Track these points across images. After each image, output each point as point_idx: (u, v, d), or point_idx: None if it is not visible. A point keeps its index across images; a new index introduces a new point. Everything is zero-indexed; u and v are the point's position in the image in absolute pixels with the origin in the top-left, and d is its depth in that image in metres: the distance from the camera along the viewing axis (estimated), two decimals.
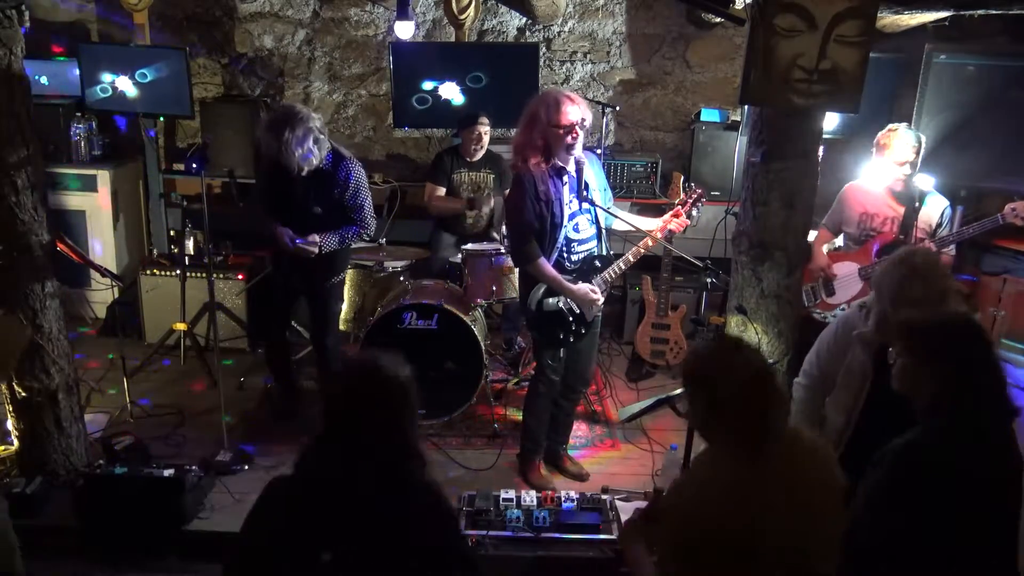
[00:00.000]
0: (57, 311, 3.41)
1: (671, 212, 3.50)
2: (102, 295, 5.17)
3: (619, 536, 2.20)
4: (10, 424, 3.50)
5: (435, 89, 5.23)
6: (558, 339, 3.50)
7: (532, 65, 5.29)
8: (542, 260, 3.36)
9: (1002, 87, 4.14)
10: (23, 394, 3.39)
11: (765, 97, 3.00)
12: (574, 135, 3.26)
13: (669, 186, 4.38)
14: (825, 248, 3.97)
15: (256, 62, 5.78)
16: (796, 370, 3.21)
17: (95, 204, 5.29)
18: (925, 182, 3.79)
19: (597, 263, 3.48)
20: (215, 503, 3.53)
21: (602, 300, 3.49)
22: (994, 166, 4.20)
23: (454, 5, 5.19)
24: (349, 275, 4.71)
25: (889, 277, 2.53)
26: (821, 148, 3.30)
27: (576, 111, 3.25)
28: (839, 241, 4.02)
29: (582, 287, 3.41)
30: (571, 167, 3.39)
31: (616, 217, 3.55)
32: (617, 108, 5.33)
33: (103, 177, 5.27)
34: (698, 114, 5.38)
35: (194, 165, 3.45)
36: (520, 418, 3.89)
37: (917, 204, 3.68)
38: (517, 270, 3.81)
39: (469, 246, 4.40)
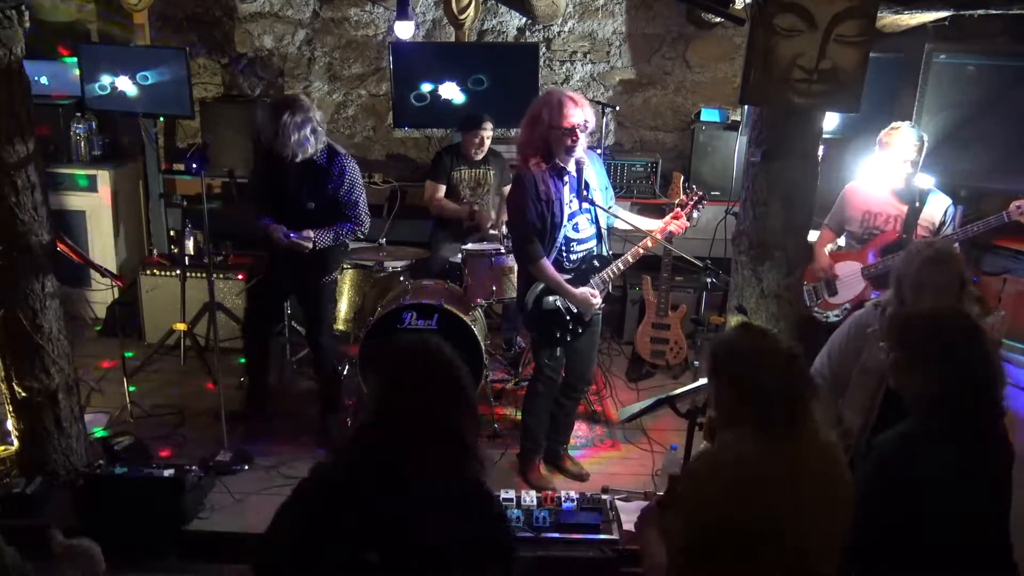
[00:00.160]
0: (57, 311, 3.41)
1: (671, 214, 3.50)
2: (102, 295, 5.17)
3: (635, 522, 2.20)
4: (10, 424, 3.50)
5: (435, 89, 5.23)
6: (555, 338, 3.50)
7: (532, 65, 5.29)
8: (544, 261, 3.36)
9: (1002, 87, 4.15)
10: (23, 394, 3.39)
11: (765, 97, 3.00)
12: (575, 138, 3.26)
13: (669, 186, 4.39)
14: (827, 248, 3.96)
15: (256, 62, 5.78)
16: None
17: (95, 204, 5.29)
18: (925, 182, 3.79)
19: (596, 263, 3.48)
20: (215, 503, 3.53)
21: (600, 301, 3.49)
22: (994, 166, 4.21)
23: (454, 5, 5.19)
24: (349, 275, 4.71)
25: (909, 266, 2.58)
26: (821, 148, 3.29)
27: (579, 113, 3.25)
28: (841, 241, 4.01)
29: (582, 291, 3.41)
30: (571, 167, 3.39)
31: (617, 217, 3.56)
32: (617, 108, 5.34)
33: (103, 177, 5.27)
34: (698, 114, 5.38)
35: (194, 165, 3.45)
36: (520, 418, 3.89)
37: (918, 203, 3.68)
38: (516, 269, 3.81)
39: (469, 246, 4.40)
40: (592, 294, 3.43)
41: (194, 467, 3.48)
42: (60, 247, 3.39)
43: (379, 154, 5.97)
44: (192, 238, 4.98)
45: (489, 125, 4.65)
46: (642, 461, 4.00)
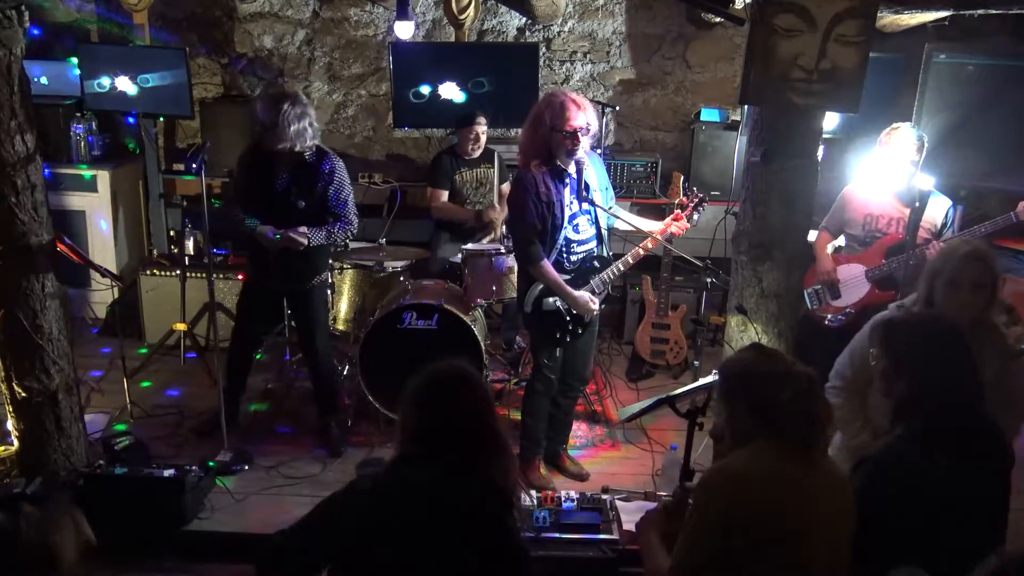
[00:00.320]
0: (57, 311, 3.40)
1: (672, 216, 3.50)
2: (102, 295, 5.17)
3: (637, 524, 2.20)
4: (10, 424, 3.49)
5: (435, 89, 5.23)
6: (555, 338, 3.51)
7: (532, 65, 5.29)
8: (545, 262, 3.36)
9: (1002, 87, 4.15)
10: (23, 394, 3.39)
11: (765, 97, 3.01)
12: (577, 140, 3.25)
13: (669, 186, 4.38)
14: (829, 248, 3.94)
15: (256, 62, 5.78)
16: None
17: (95, 204, 5.29)
18: (925, 182, 3.78)
19: (596, 264, 3.49)
20: (215, 503, 3.52)
21: (598, 305, 3.50)
22: (994, 166, 4.21)
23: (454, 5, 5.19)
24: (349, 275, 4.70)
25: (946, 263, 2.60)
26: (821, 148, 3.30)
27: (582, 116, 3.24)
28: (839, 241, 3.99)
29: (582, 294, 3.41)
30: (571, 168, 3.39)
31: (617, 217, 3.56)
32: (617, 108, 5.34)
33: (103, 177, 5.27)
34: (698, 114, 5.39)
35: (194, 165, 3.44)
36: (519, 418, 3.89)
37: (918, 203, 3.66)
38: (516, 270, 3.81)
39: (469, 246, 4.40)
40: (591, 300, 3.44)
41: (194, 467, 3.48)
42: (60, 247, 3.38)
43: (379, 154, 5.97)
44: (192, 238, 4.98)
45: (483, 120, 4.66)
46: (642, 461, 4.00)
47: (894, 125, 3.67)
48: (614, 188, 3.79)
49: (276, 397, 4.54)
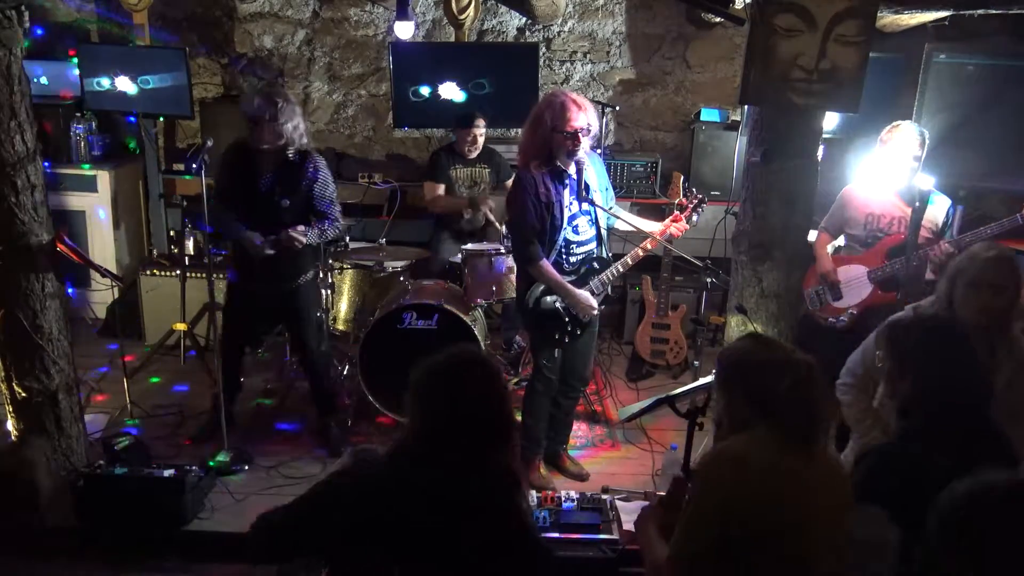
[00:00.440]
0: (57, 311, 3.41)
1: (671, 217, 3.49)
2: (102, 295, 5.18)
3: (635, 520, 2.20)
4: (10, 424, 3.49)
5: (435, 89, 5.23)
6: (554, 339, 3.51)
7: (532, 65, 5.29)
8: (544, 262, 3.36)
9: (1002, 87, 4.15)
10: (23, 394, 3.39)
11: (765, 97, 3.00)
12: (577, 141, 3.25)
13: (669, 186, 4.38)
14: (828, 249, 3.91)
15: (256, 62, 5.78)
16: None
17: (95, 204, 5.29)
18: (925, 182, 3.77)
19: (596, 264, 3.48)
20: (215, 503, 3.52)
21: (599, 303, 3.49)
22: (994, 166, 4.21)
23: (454, 5, 5.20)
24: (349, 275, 4.71)
25: (971, 264, 2.60)
26: (821, 148, 3.29)
27: (582, 117, 3.24)
28: (839, 241, 3.97)
29: (583, 293, 3.41)
30: (571, 169, 3.39)
31: (617, 217, 3.56)
32: (617, 108, 5.34)
33: (103, 177, 5.28)
34: (698, 114, 5.38)
35: (194, 165, 3.44)
36: (519, 418, 3.89)
37: (918, 203, 3.64)
38: (516, 270, 3.80)
39: (469, 246, 4.40)
40: (591, 300, 3.43)
41: (194, 467, 3.48)
42: (60, 247, 3.38)
43: (379, 154, 5.97)
44: (192, 238, 4.98)
45: (481, 123, 4.66)
46: (642, 461, 4.00)
47: (895, 123, 3.65)
48: (614, 188, 3.79)
49: (276, 397, 4.54)
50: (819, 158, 3.24)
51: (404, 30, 4.85)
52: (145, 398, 4.39)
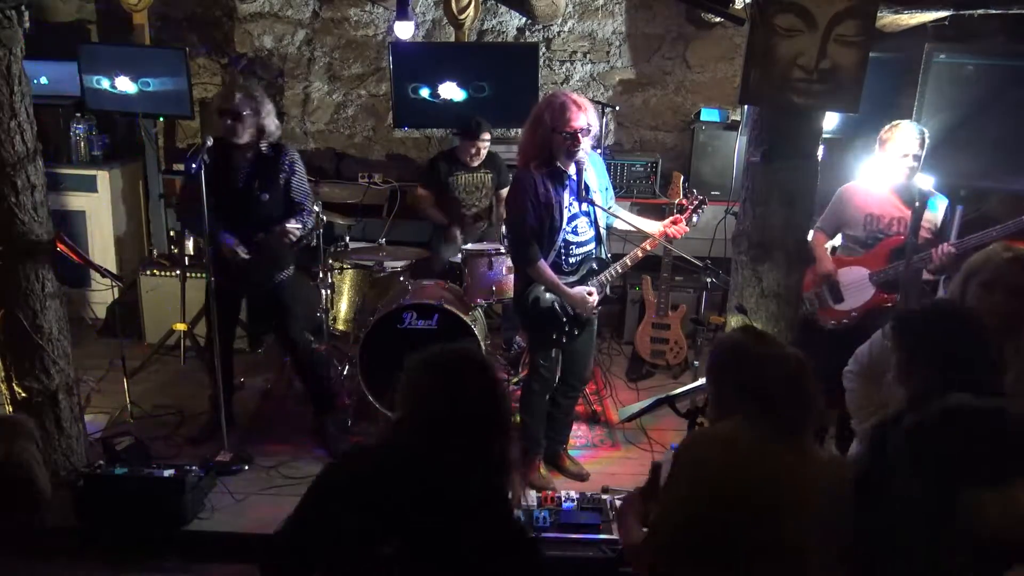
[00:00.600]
0: (57, 311, 3.41)
1: (671, 218, 3.49)
2: (102, 295, 5.18)
3: (618, 508, 2.21)
4: None
5: (435, 89, 5.23)
6: (551, 339, 3.51)
7: (532, 65, 5.29)
8: (542, 263, 3.36)
9: (1002, 86, 4.14)
10: (23, 394, 3.40)
11: (765, 97, 3.00)
12: (576, 142, 3.24)
13: (669, 186, 4.38)
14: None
15: (256, 62, 5.79)
16: None
17: (95, 204, 5.29)
18: (925, 182, 3.76)
19: (595, 265, 3.48)
20: (215, 503, 3.53)
21: (597, 301, 3.49)
22: (993, 166, 4.20)
23: (454, 5, 5.20)
24: (349, 275, 4.71)
25: (987, 264, 2.59)
26: (821, 148, 3.29)
27: (582, 118, 3.23)
28: (835, 241, 3.94)
29: (578, 290, 3.41)
30: (571, 169, 3.39)
31: (617, 217, 3.56)
32: (617, 108, 5.34)
33: (103, 177, 5.28)
34: (698, 114, 5.38)
35: (193, 165, 3.44)
36: (518, 418, 3.89)
37: (918, 203, 3.62)
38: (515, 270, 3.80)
39: (469, 246, 4.40)
40: (588, 292, 3.43)
41: (194, 467, 3.48)
42: (60, 247, 3.38)
43: (379, 154, 5.97)
44: (192, 238, 4.98)
45: (487, 135, 4.61)
46: (642, 461, 4.00)
47: (894, 122, 3.63)
48: (614, 188, 3.79)
49: (276, 397, 4.55)
50: (819, 158, 3.24)
51: (404, 30, 4.85)
52: (145, 398, 4.39)
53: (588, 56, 5.77)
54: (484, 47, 5.63)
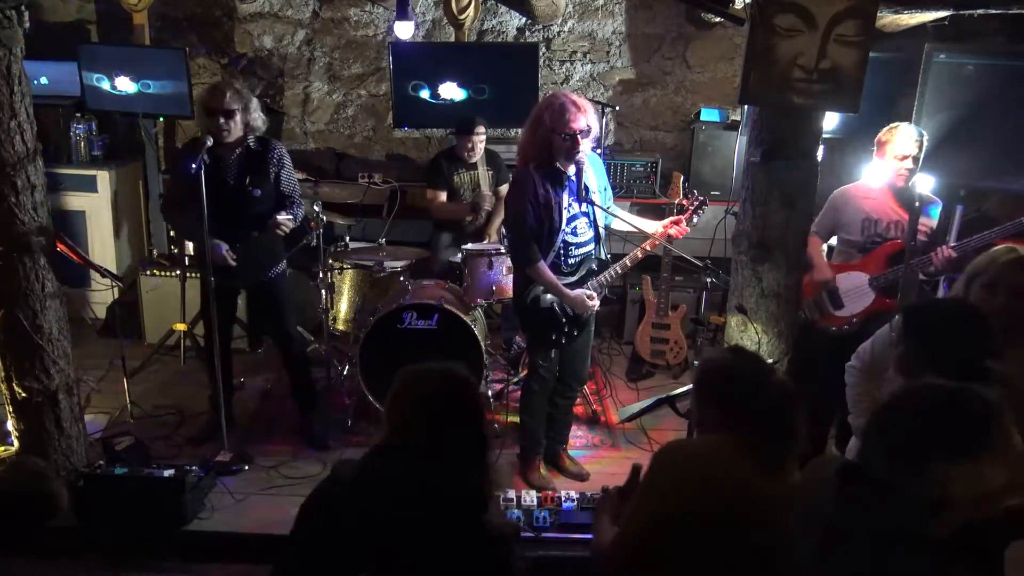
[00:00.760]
0: (57, 311, 3.41)
1: (671, 219, 3.49)
2: (102, 295, 5.18)
3: (595, 507, 2.21)
4: (10, 424, 3.50)
5: (435, 89, 5.24)
6: (550, 340, 3.51)
7: (532, 65, 5.29)
8: (542, 263, 3.36)
9: (1001, 87, 4.14)
10: (23, 394, 3.39)
11: (765, 97, 3.00)
12: (576, 143, 3.24)
13: (669, 186, 4.38)
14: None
15: (256, 62, 5.79)
16: (795, 371, 3.21)
17: (95, 204, 5.29)
18: (925, 182, 3.75)
19: (594, 266, 3.48)
20: (215, 503, 3.53)
21: (597, 304, 3.49)
22: (994, 166, 4.20)
23: (454, 5, 5.20)
24: (349, 275, 4.71)
25: (990, 265, 2.60)
26: (821, 148, 3.28)
27: (582, 120, 3.23)
28: (831, 242, 3.92)
29: (578, 292, 3.41)
30: (570, 170, 3.38)
31: (616, 216, 3.55)
32: (617, 108, 5.34)
33: (103, 177, 5.28)
34: (698, 114, 5.38)
35: (193, 165, 3.44)
36: (518, 419, 3.89)
37: (918, 204, 3.62)
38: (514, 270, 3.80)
39: (469, 246, 4.40)
40: (588, 295, 3.43)
41: (194, 467, 3.49)
42: (60, 247, 3.38)
43: (379, 154, 5.97)
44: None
45: (481, 129, 4.63)
46: (642, 461, 3.98)
47: (893, 124, 3.62)
48: (614, 188, 3.79)
49: (276, 397, 4.54)
50: (819, 158, 3.24)
51: (404, 30, 4.85)
52: (145, 398, 4.39)
53: (588, 56, 5.77)
54: (484, 47, 5.63)
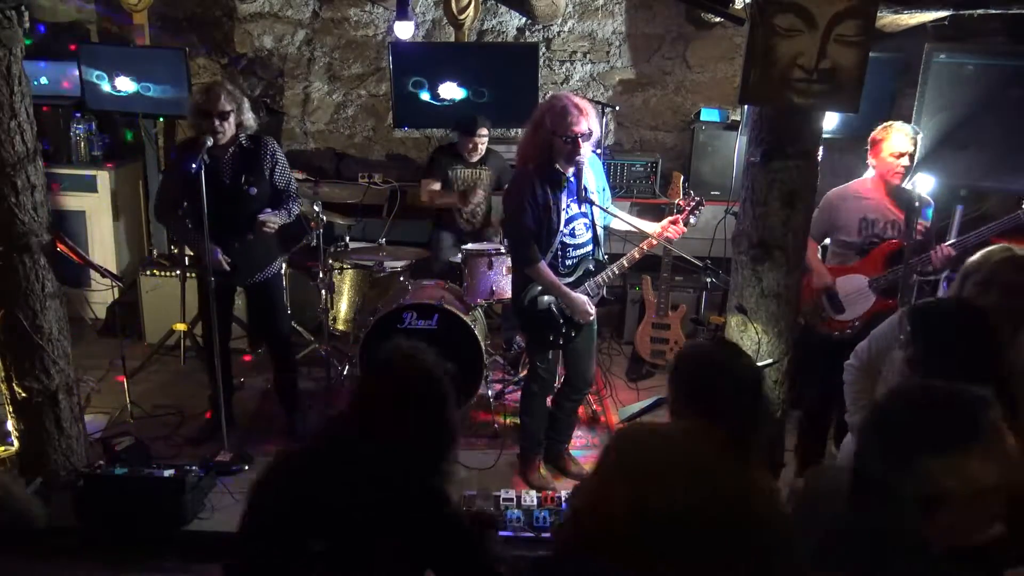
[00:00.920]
0: (57, 311, 3.41)
1: (669, 219, 3.49)
2: (102, 295, 5.18)
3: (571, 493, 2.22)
4: (10, 424, 3.50)
5: (435, 89, 5.24)
6: (548, 341, 3.51)
7: (532, 65, 5.29)
8: (542, 264, 3.36)
9: (1001, 87, 4.14)
10: (23, 394, 3.39)
11: (765, 97, 3.00)
12: (577, 146, 3.24)
13: (669, 186, 4.38)
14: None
15: (256, 62, 5.78)
16: (796, 371, 3.21)
17: (95, 204, 5.29)
18: (925, 182, 3.74)
19: (591, 267, 3.48)
20: (215, 503, 3.53)
21: (594, 309, 3.50)
22: (993, 166, 4.20)
23: (454, 5, 5.20)
24: (349, 275, 4.71)
25: (983, 264, 2.60)
26: (821, 148, 3.28)
27: (583, 123, 3.22)
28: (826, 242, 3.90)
29: (580, 297, 3.42)
30: (570, 172, 3.38)
31: (614, 216, 3.56)
32: (617, 108, 5.34)
33: (103, 177, 5.28)
34: (698, 114, 5.38)
35: (193, 165, 3.44)
36: (518, 419, 3.89)
37: (916, 204, 3.61)
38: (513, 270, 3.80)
39: (469, 246, 4.40)
40: (587, 303, 3.44)
41: (194, 467, 3.48)
42: (60, 247, 3.38)
43: (379, 154, 5.97)
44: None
45: (484, 131, 4.64)
46: None
47: (887, 123, 3.59)
48: (614, 188, 3.80)
49: (276, 397, 4.53)
50: (819, 158, 3.23)
51: (404, 30, 4.85)
52: (145, 398, 4.39)
53: (588, 56, 5.77)
54: (484, 47, 5.63)
